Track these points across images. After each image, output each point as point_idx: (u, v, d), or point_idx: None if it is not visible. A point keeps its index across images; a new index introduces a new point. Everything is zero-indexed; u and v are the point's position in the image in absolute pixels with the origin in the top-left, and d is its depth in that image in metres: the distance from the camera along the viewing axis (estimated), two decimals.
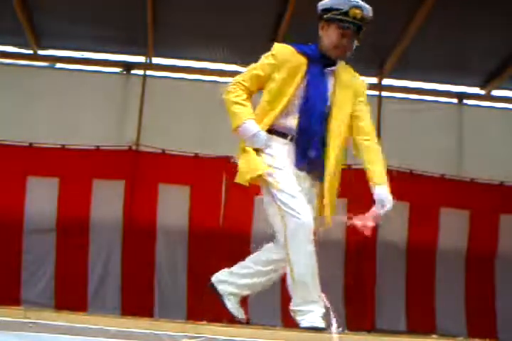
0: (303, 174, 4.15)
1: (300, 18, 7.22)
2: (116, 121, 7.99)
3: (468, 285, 7.98)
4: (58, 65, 8.33)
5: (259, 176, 3.99)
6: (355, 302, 7.78)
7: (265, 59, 4.09)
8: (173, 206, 7.79)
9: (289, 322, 7.36)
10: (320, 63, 4.08)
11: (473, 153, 8.17)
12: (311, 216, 4.27)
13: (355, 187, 8.11)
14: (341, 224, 8.00)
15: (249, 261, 4.57)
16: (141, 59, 8.17)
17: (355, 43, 4.11)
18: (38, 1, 7.36)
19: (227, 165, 7.87)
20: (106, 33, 7.81)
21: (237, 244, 7.77)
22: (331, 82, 4.10)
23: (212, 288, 4.55)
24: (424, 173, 7.99)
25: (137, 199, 7.70)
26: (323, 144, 4.14)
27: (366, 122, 4.23)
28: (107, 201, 7.71)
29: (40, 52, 8.12)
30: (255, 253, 4.56)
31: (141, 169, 7.76)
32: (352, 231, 7.25)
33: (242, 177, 4.03)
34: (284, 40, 7.57)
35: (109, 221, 7.67)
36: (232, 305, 4.62)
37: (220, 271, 4.52)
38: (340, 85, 4.11)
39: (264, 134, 3.98)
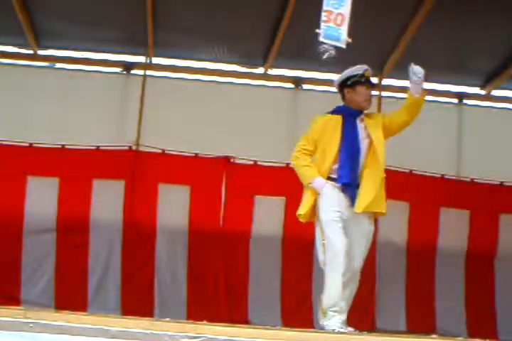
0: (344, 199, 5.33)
1: (300, 18, 7.22)
2: (116, 121, 7.99)
3: (468, 285, 7.98)
4: (58, 65, 8.32)
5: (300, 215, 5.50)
6: (355, 302, 7.77)
7: (312, 126, 5.58)
8: (173, 206, 7.79)
9: (289, 322, 7.39)
10: (352, 117, 5.46)
11: (473, 153, 8.17)
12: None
13: None
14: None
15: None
16: (141, 59, 8.17)
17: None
18: (38, 1, 7.36)
19: (227, 165, 7.94)
20: (106, 33, 7.81)
21: (237, 244, 7.80)
22: (362, 125, 5.42)
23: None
24: (424, 173, 7.99)
25: (137, 199, 7.70)
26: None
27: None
28: (107, 201, 7.71)
29: (40, 52, 8.12)
30: None
31: (141, 169, 7.76)
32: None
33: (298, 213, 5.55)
34: (283, 40, 7.61)
35: (109, 221, 7.67)
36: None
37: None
38: (370, 124, 5.44)
39: (327, 186, 5.34)
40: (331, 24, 4.53)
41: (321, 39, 4.56)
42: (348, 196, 5.29)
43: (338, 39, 4.54)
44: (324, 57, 4.65)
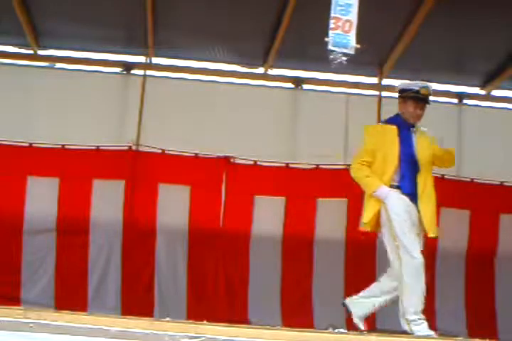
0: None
1: (300, 18, 7.22)
2: (116, 121, 7.98)
3: (468, 285, 7.98)
4: (58, 65, 8.32)
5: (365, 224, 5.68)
6: None
7: (368, 138, 5.74)
8: (173, 206, 7.78)
9: (289, 322, 7.39)
10: (406, 127, 5.74)
11: (473, 153, 8.17)
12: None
13: (355, 187, 8.14)
14: (341, 224, 8.03)
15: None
16: (141, 59, 8.16)
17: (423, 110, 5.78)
18: (38, 1, 7.36)
19: (227, 165, 7.94)
20: (106, 33, 7.81)
21: (237, 244, 7.80)
22: (415, 137, 5.73)
23: (345, 307, 5.80)
24: None
25: (137, 199, 7.70)
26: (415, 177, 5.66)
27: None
28: (107, 201, 7.70)
29: (40, 52, 8.11)
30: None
31: (141, 169, 7.76)
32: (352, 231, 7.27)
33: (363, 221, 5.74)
34: (283, 40, 7.61)
35: (109, 221, 7.67)
36: (357, 321, 5.70)
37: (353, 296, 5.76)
38: (420, 137, 5.76)
39: (391, 193, 5.57)
40: (339, 31, 4.52)
41: (330, 47, 4.54)
42: (414, 204, 5.58)
43: (346, 46, 4.52)
44: (334, 64, 4.66)
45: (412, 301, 5.37)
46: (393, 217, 5.50)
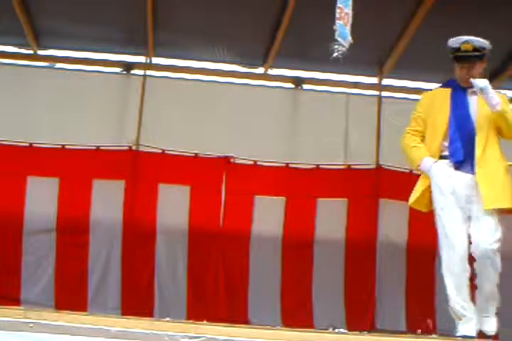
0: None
1: (300, 18, 7.23)
2: (116, 121, 7.98)
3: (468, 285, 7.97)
4: (58, 65, 8.32)
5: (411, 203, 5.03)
6: (355, 302, 7.78)
7: (418, 103, 5.13)
8: (173, 206, 7.79)
9: (289, 322, 7.39)
10: (461, 89, 4.96)
11: None
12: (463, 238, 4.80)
13: (355, 187, 8.16)
14: (341, 224, 8.02)
15: None
16: (141, 59, 8.16)
17: (482, 66, 5.00)
18: (38, 1, 7.36)
19: (227, 165, 7.95)
20: (106, 33, 7.81)
21: (237, 244, 7.80)
22: (473, 99, 4.93)
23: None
24: None
25: (137, 199, 7.70)
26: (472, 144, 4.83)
27: None
28: (107, 201, 7.71)
29: (40, 52, 8.11)
30: None
31: (141, 169, 7.76)
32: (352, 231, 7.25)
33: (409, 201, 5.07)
34: (283, 40, 7.61)
35: (109, 221, 7.67)
36: None
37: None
38: (482, 99, 4.89)
39: (436, 165, 4.86)
40: (341, 22, 4.50)
41: (336, 36, 4.49)
42: (467, 173, 4.79)
43: (346, 38, 4.49)
44: (335, 55, 4.54)
45: (448, 293, 4.91)
46: (434, 194, 4.83)
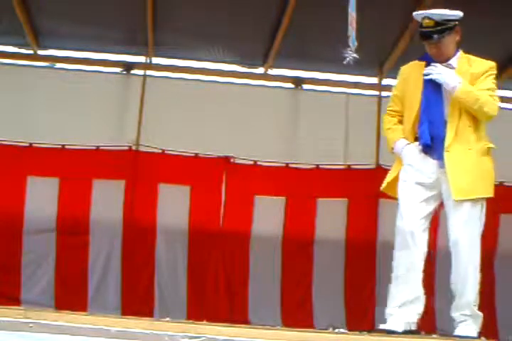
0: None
1: (300, 18, 7.23)
2: (116, 121, 7.99)
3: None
4: (58, 65, 8.32)
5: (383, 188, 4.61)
6: (355, 302, 7.79)
7: (397, 81, 4.70)
8: (173, 206, 7.79)
9: (289, 322, 7.39)
10: (435, 62, 4.50)
11: None
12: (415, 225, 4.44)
13: (355, 187, 8.16)
14: (341, 224, 8.01)
15: None
16: (141, 59, 8.16)
17: (453, 39, 4.58)
18: (38, 1, 7.36)
19: (227, 165, 7.95)
20: (106, 33, 7.81)
21: (237, 244, 7.80)
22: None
23: None
24: None
25: (137, 199, 7.71)
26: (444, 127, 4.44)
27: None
28: (107, 201, 7.71)
29: (40, 52, 8.12)
30: None
31: (141, 169, 7.76)
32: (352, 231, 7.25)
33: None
34: (283, 40, 7.61)
35: (109, 221, 7.67)
36: None
37: None
38: (459, 74, 4.48)
39: (407, 148, 4.48)
40: (351, 28, 4.45)
41: (350, 43, 4.43)
42: (436, 158, 4.44)
43: (354, 43, 4.43)
44: (348, 60, 4.35)
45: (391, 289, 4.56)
46: (400, 178, 4.49)
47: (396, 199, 4.62)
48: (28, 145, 7.69)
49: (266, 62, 8.09)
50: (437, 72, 4.45)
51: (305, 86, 8.34)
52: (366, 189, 7.88)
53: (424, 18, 4.48)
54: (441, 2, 6.86)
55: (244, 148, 7.90)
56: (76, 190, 7.69)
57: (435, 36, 4.45)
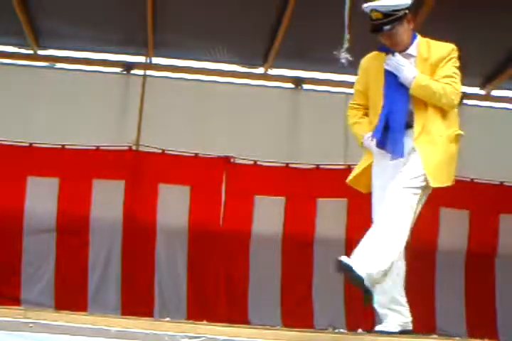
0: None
1: (300, 18, 7.22)
2: (116, 121, 7.99)
3: (468, 285, 7.98)
4: (58, 65, 8.32)
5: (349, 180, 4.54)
6: (355, 303, 7.78)
7: (358, 73, 4.52)
8: (173, 206, 7.79)
9: (289, 322, 7.39)
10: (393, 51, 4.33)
11: (473, 153, 8.16)
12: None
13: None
14: (341, 224, 8.02)
15: None
16: (141, 59, 8.17)
17: (405, 28, 4.37)
18: (38, 1, 7.36)
19: (227, 165, 7.95)
20: (106, 33, 7.81)
21: (237, 244, 7.80)
22: (412, 64, 4.32)
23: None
24: None
25: (137, 199, 7.71)
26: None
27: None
28: (107, 201, 7.71)
29: (40, 52, 8.12)
30: None
31: (141, 169, 7.76)
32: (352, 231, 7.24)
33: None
34: (283, 40, 7.61)
35: (109, 221, 7.67)
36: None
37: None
38: (419, 62, 4.36)
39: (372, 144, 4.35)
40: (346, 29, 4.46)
41: (344, 44, 4.45)
42: (393, 150, 4.30)
43: (345, 44, 4.45)
44: (343, 62, 4.39)
45: None
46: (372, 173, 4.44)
47: (363, 193, 4.61)
48: (28, 145, 7.69)
49: (266, 62, 8.09)
50: (394, 64, 4.33)
51: (305, 86, 8.34)
52: None
53: (371, 11, 4.28)
54: (441, 4, 6.89)
55: (244, 148, 7.90)
56: (76, 190, 7.69)
57: (385, 28, 4.28)
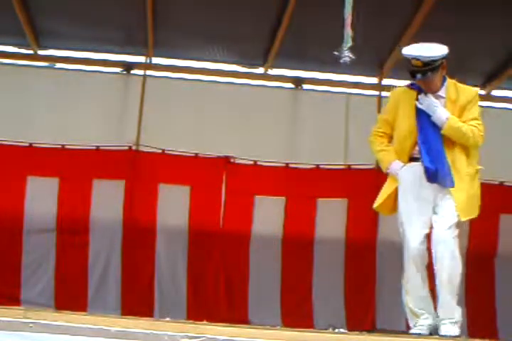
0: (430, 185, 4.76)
1: (300, 18, 7.23)
2: (116, 121, 7.99)
3: (469, 285, 7.96)
4: (58, 65, 8.33)
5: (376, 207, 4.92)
6: (355, 302, 7.78)
7: (387, 104, 4.99)
8: (173, 206, 7.79)
9: (289, 322, 7.39)
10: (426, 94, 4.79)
11: None
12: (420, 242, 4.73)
13: (355, 187, 8.16)
14: (341, 224, 8.01)
15: None
16: (141, 59, 8.17)
17: (438, 75, 4.80)
18: (38, 1, 7.36)
19: (227, 165, 7.95)
20: (106, 33, 7.82)
21: (237, 244, 7.80)
22: (442, 104, 4.79)
23: None
24: None
25: (137, 199, 7.71)
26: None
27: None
28: (107, 201, 7.71)
29: (40, 52, 8.12)
30: None
31: (141, 169, 7.76)
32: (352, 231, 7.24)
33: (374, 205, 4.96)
34: (283, 40, 7.61)
35: (109, 221, 7.67)
36: None
37: None
38: (448, 103, 4.82)
39: (404, 168, 4.80)
40: (348, 29, 4.52)
41: (345, 43, 4.49)
42: (435, 181, 4.70)
43: (348, 43, 4.50)
44: (344, 61, 4.49)
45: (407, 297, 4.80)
46: (400, 198, 4.79)
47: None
48: (28, 145, 7.69)
49: (266, 62, 8.09)
50: (427, 104, 4.76)
51: (305, 86, 8.34)
52: (366, 189, 7.86)
53: (412, 59, 4.73)
54: (441, 4, 6.89)
55: (244, 148, 7.90)
56: (76, 189, 7.69)
57: (424, 76, 4.73)
